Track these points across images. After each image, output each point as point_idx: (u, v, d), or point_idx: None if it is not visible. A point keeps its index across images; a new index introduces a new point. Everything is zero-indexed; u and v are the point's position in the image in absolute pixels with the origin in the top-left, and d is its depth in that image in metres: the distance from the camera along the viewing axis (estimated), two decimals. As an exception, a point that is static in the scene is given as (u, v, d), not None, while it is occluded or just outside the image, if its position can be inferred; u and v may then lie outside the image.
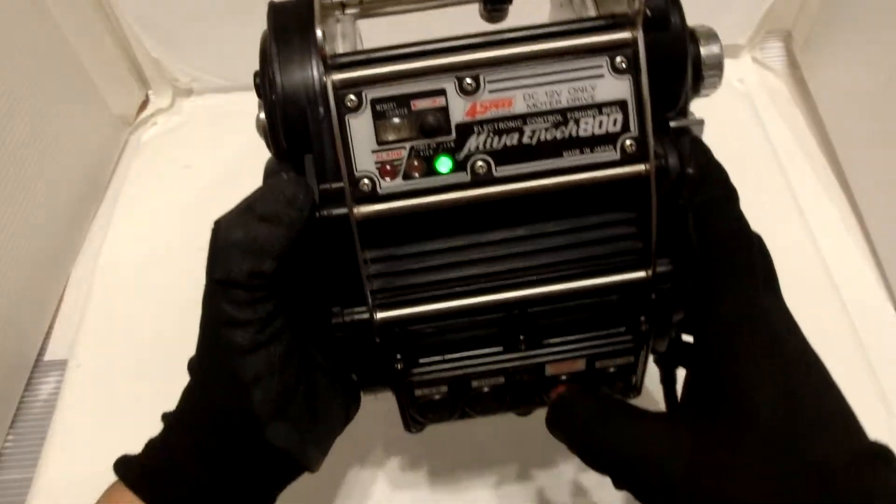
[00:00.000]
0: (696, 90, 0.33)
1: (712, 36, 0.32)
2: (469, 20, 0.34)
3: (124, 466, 0.31)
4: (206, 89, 0.75)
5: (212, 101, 0.75)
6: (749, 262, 0.29)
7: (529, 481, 0.47)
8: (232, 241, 0.28)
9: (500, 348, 0.32)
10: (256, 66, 0.32)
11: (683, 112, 0.32)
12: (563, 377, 0.33)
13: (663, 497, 0.27)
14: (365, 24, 0.38)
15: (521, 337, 0.32)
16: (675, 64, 0.30)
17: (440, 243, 0.31)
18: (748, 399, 0.26)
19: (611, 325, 0.32)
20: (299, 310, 0.31)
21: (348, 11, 0.37)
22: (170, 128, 0.73)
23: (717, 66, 0.32)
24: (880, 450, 0.25)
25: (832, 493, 0.24)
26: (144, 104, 0.75)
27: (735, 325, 0.28)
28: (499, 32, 0.30)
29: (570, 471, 0.47)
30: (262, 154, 0.33)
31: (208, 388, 0.31)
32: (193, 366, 0.31)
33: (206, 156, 0.68)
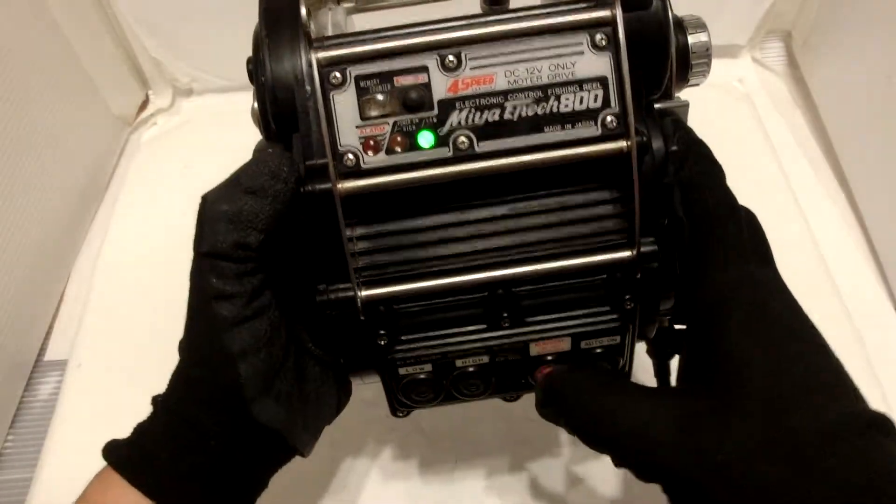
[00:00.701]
0: (684, 78, 0.33)
1: (700, 25, 0.32)
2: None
3: (113, 450, 0.31)
4: (206, 89, 0.75)
5: (212, 101, 0.75)
6: (737, 232, 0.29)
7: (521, 472, 0.47)
8: (218, 214, 0.29)
9: (483, 326, 0.32)
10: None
11: (668, 96, 0.32)
12: (549, 357, 0.33)
13: (655, 469, 0.26)
14: (360, 21, 0.38)
15: (505, 315, 0.32)
16: (656, 44, 0.30)
17: (425, 221, 0.31)
18: (736, 370, 0.26)
19: (595, 304, 0.32)
20: (288, 288, 0.31)
21: (344, 4, 0.37)
22: (170, 128, 0.73)
23: (705, 54, 0.32)
24: (873, 418, 0.25)
25: (809, 462, 0.23)
26: (144, 104, 0.75)
27: (724, 296, 0.28)
28: (482, 14, 0.31)
29: (560, 463, 0.47)
30: (262, 154, 0.32)
31: (196, 365, 0.31)
32: (182, 345, 0.31)
33: (206, 156, 0.68)
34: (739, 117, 0.68)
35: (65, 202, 0.63)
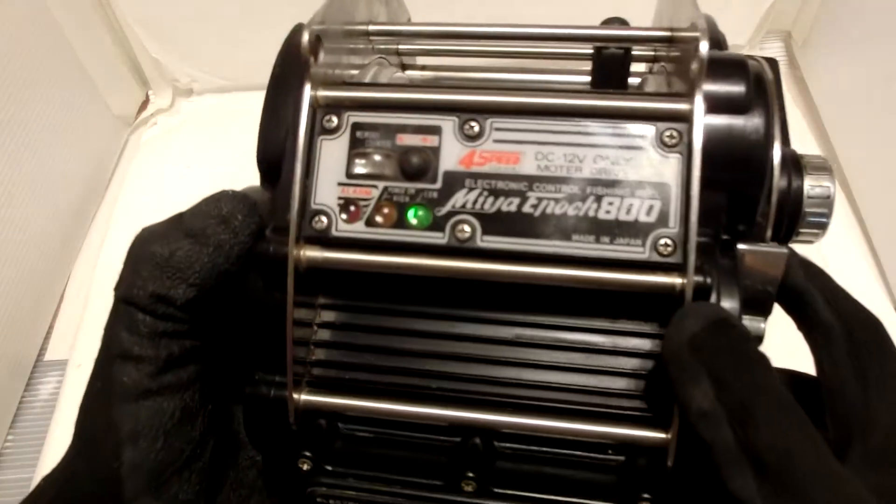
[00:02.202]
0: (791, 231, 0.26)
1: (824, 168, 0.26)
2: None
3: None
4: (206, 89, 0.75)
5: (212, 101, 0.75)
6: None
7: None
8: (145, 254, 0.24)
9: (438, 482, 0.24)
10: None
11: (760, 238, 0.25)
12: None
13: None
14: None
15: (470, 475, 0.24)
16: (748, 160, 0.23)
17: (407, 322, 0.25)
18: None
19: (599, 494, 0.24)
20: (227, 371, 0.26)
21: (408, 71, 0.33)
22: (170, 128, 0.73)
23: (825, 204, 0.26)
24: None
25: None
26: (144, 104, 0.75)
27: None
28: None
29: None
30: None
31: (79, 437, 0.25)
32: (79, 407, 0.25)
33: (206, 156, 0.68)
34: (739, 117, 0.67)
35: (65, 202, 0.63)
